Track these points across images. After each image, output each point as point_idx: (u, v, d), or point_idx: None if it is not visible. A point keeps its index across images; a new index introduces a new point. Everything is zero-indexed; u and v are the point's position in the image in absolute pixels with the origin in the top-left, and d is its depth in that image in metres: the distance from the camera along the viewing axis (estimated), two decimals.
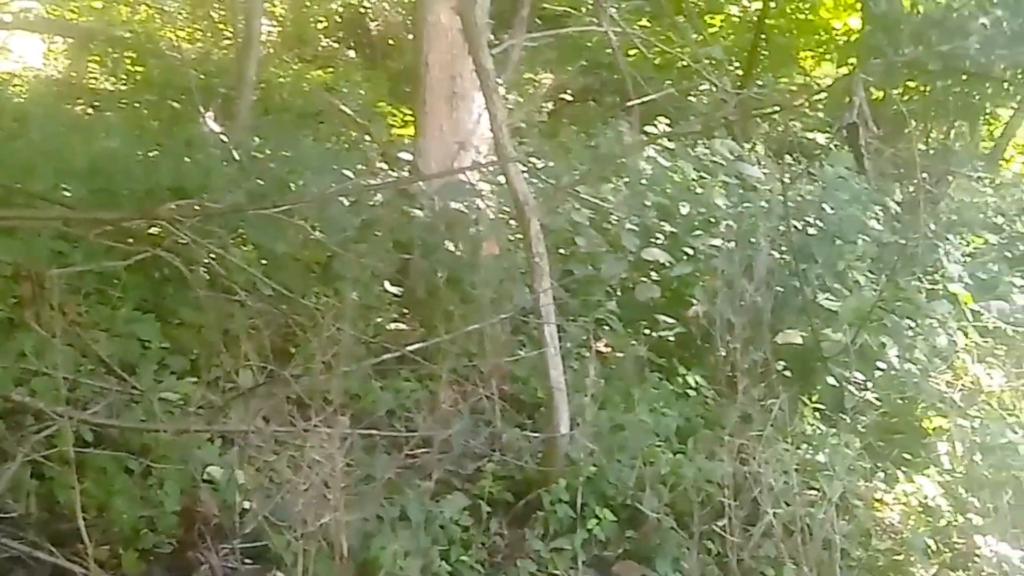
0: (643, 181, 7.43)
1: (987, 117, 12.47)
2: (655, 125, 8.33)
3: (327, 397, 3.95)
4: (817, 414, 5.62)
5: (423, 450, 4.88)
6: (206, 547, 4.05)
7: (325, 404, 3.92)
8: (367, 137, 9.83)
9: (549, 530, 4.47)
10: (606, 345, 6.29)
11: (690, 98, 11.08)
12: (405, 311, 6.49)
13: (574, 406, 4.96)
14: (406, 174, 7.63)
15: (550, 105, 10.38)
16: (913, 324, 6.05)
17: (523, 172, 7.40)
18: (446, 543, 4.23)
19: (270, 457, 4.00)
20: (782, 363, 6.21)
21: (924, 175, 7.65)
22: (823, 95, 10.25)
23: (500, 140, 4.94)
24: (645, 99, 8.00)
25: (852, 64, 8.77)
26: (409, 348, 4.84)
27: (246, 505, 4.11)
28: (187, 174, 6.79)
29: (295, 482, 3.76)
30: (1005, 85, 8.49)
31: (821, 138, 11.84)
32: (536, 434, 5.13)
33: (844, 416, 5.73)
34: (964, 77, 7.99)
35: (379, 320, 6.22)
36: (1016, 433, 4.94)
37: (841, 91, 7.54)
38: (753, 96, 7.19)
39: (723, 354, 5.98)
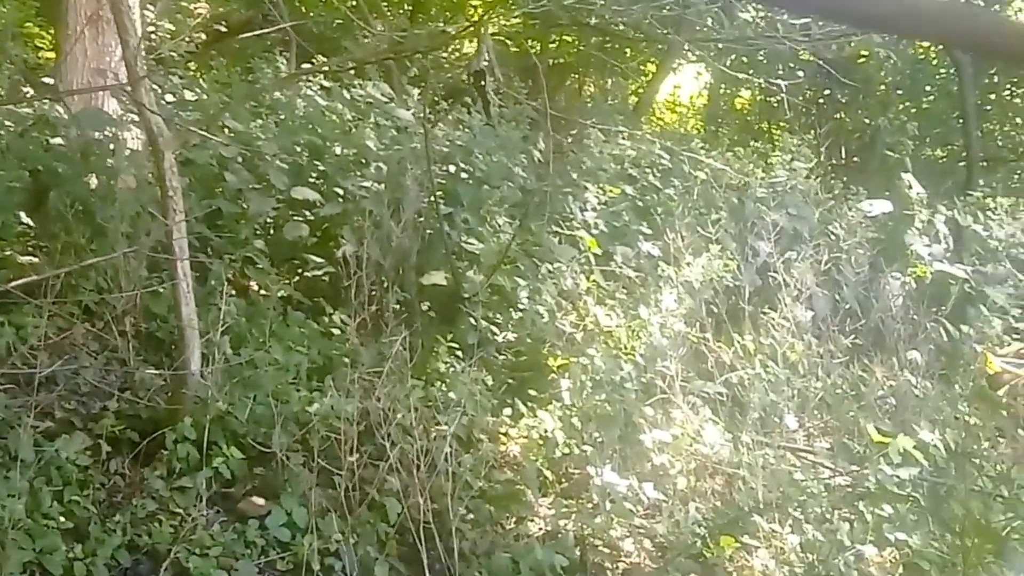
0: (297, 119, 7.37)
1: (638, 74, 13.33)
2: (314, 63, 8.28)
3: None
4: (458, 353, 5.84)
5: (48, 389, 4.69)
6: None
7: None
8: (10, 61, 9.13)
9: (174, 469, 4.42)
10: (251, 283, 6.25)
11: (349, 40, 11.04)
12: (42, 244, 6.15)
13: (208, 344, 4.90)
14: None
15: (203, 36, 10.03)
16: (543, 267, 6.41)
17: (169, 104, 7.16)
18: (61, 484, 4.10)
19: None
20: (427, 304, 6.43)
21: (556, 126, 8.05)
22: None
23: (132, 67, 4.75)
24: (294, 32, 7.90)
25: (481, 12, 8.99)
26: (17, 283, 4.56)
27: None
28: None
29: None
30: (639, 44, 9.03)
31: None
32: (165, 372, 5.02)
33: (481, 354, 6.00)
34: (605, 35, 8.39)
35: (7, 253, 5.86)
36: (622, 370, 5.36)
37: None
38: (401, 39, 7.26)
39: (370, 294, 6.09)
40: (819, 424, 6.24)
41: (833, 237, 7.11)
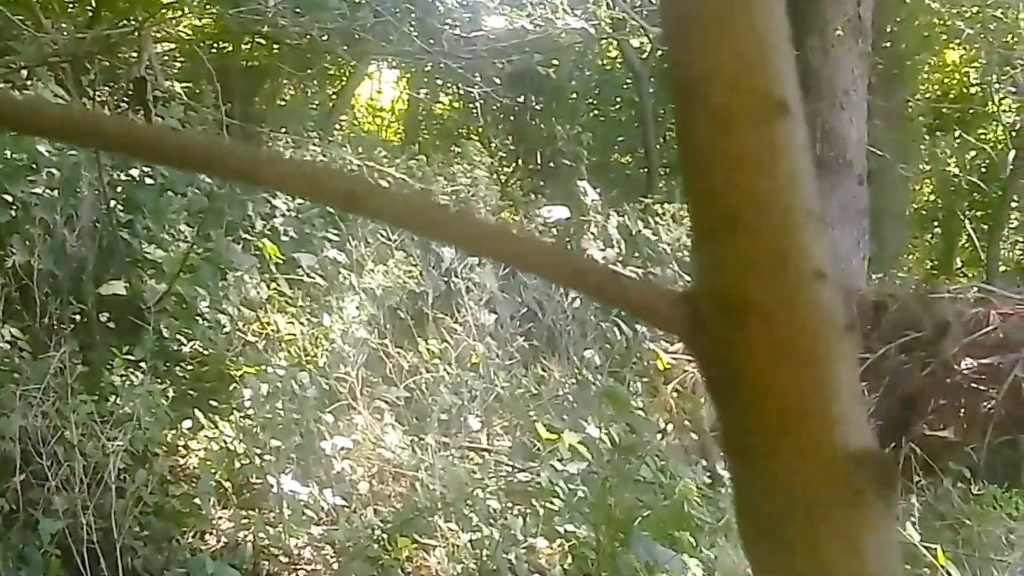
0: None
1: (333, 80, 13.33)
2: None
3: None
4: (142, 364, 5.69)
5: None
6: None
7: None
8: None
9: None
10: None
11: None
12: None
13: None
14: None
15: None
16: (230, 276, 6.34)
17: None
18: None
19: None
20: (106, 314, 6.20)
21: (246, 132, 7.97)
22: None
23: None
24: None
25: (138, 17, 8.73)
26: None
27: None
28: None
29: None
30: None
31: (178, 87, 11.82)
32: None
33: (163, 366, 5.87)
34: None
35: None
36: (303, 378, 5.39)
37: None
38: (79, 39, 6.97)
39: (42, 305, 5.82)
40: (501, 423, 6.49)
41: None
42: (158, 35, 8.80)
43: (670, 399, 6.96)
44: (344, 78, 13.15)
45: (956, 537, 5.58)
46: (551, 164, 13.79)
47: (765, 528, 0.87)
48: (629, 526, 4.06)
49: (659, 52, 15.13)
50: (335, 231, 7.20)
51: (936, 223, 17.35)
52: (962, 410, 7.16)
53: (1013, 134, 14.08)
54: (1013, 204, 15.69)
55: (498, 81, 14.61)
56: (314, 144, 8.61)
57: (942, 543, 4.60)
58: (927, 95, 15.55)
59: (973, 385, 7.21)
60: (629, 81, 14.57)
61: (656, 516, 4.27)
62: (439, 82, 14.62)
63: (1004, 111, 14.47)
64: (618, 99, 15.36)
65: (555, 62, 14.18)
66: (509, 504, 5.32)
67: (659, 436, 6.73)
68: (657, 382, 7.19)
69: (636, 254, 7.67)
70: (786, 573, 0.86)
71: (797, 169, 0.84)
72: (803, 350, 0.83)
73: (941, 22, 13.94)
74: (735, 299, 0.83)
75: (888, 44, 13.04)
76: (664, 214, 8.09)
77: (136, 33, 7.49)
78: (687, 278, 7.97)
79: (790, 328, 0.83)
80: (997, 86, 13.11)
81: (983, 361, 7.29)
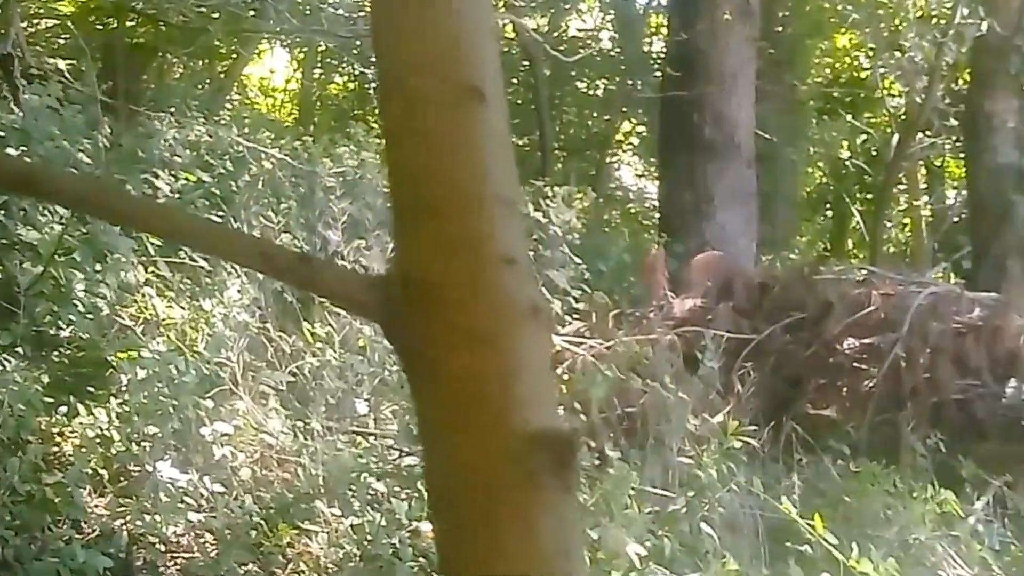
0: None
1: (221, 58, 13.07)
2: None
3: None
4: (18, 350, 5.52)
5: None
6: None
7: None
8: None
9: None
10: None
11: None
12: None
13: None
14: None
15: None
16: (102, 258, 6.17)
17: None
18: None
19: None
20: None
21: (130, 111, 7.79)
22: None
23: None
24: None
25: None
26: None
27: None
28: None
29: None
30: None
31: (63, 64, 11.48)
32: None
33: (38, 351, 5.71)
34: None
35: None
36: (182, 362, 5.28)
37: None
38: None
39: None
40: (389, 407, 6.44)
41: None
42: (35, 10, 8.52)
43: (560, 381, 6.99)
44: (232, 57, 12.90)
45: (835, 513, 5.71)
46: None
47: (445, 506, 0.88)
48: None
49: (555, 34, 15.20)
50: (218, 213, 7.07)
51: (828, 206, 17.75)
52: (844, 389, 7.32)
53: (902, 118, 14.43)
54: (902, 187, 16.13)
55: None
56: (199, 124, 8.41)
57: (822, 519, 4.71)
58: (818, 80, 15.87)
59: (854, 364, 7.38)
60: (526, 64, 14.58)
61: None
62: (333, 63, 14.46)
63: (891, 96, 14.82)
64: (514, 80, 15.38)
65: None
66: (396, 488, 5.28)
67: None
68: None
69: (528, 237, 7.67)
70: (463, 549, 0.87)
71: (490, 156, 0.84)
72: (486, 334, 0.83)
73: (831, 7, 14.22)
74: (422, 283, 0.83)
75: (780, 29, 13.26)
76: (555, 197, 8.11)
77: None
78: (577, 260, 8.03)
79: (474, 313, 0.83)
80: (883, 71, 13.41)
81: (864, 341, 7.46)
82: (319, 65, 14.65)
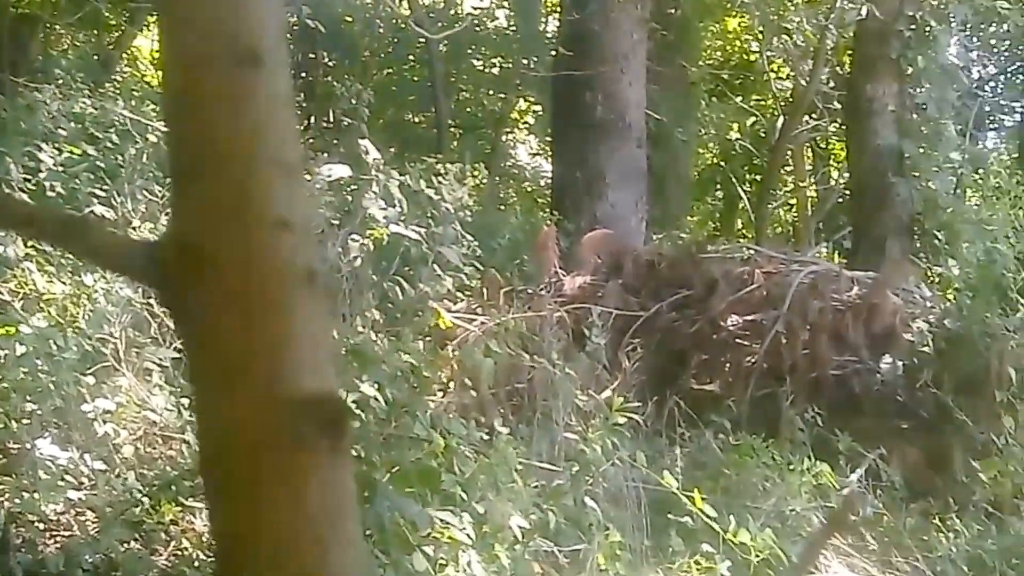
0: None
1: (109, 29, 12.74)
2: None
3: None
4: None
5: None
6: None
7: None
8: None
9: None
10: None
11: None
12: None
13: None
14: None
15: None
16: None
17: None
18: None
19: None
20: None
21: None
22: None
23: None
24: None
25: None
26: None
27: None
28: None
29: None
30: None
31: None
32: None
33: None
34: None
35: None
36: (61, 338, 5.17)
37: None
38: None
39: None
40: None
41: None
42: None
43: (451, 357, 7.02)
44: (121, 29, 12.58)
45: (716, 485, 5.88)
46: (344, 122, 13.63)
47: (213, 469, 0.89)
48: (382, 484, 4.10)
49: (452, 11, 15.17)
50: (102, 187, 6.90)
51: (718, 186, 18.08)
52: (727, 364, 7.51)
53: (790, 100, 14.74)
54: (789, 169, 16.50)
55: (288, 36, 14.29)
56: (84, 96, 8.19)
57: (702, 491, 4.84)
58: (709, 62, 16.13)
59: (737, 341, 7.58)
60: (422, 41, 14.50)
61: (404, 473, 4.32)
62: None
63: (779, 79, 15.15)
64: (410, 57, 15.29)
65: (348, 19, 14.00)
66: None
67: (440, 394, 6.79)
68: (439, 340, 7.24)
69: (419, 213, 7.65)
70: (229, 513, 0.88)
71: (267, 119, 0.85)
72: (256, 298, 0.84)
73: None
74: (195, 248, 0.83)
75: (672, 11, 13.41)
76: (447, 174, 8.10)
77: None
78: (469, 237, 8.06)
79: (245, 276, 0.83)
80: (770, 54, 13.70)
81: (747, 318, 7.67)
82: None
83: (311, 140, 12.74)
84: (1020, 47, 16.04)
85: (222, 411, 0.86)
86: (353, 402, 5.10)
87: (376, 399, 5.35)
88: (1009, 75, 16.78)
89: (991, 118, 16.61)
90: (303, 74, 15.48)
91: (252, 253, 0.84)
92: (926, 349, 7.32)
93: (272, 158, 0.86)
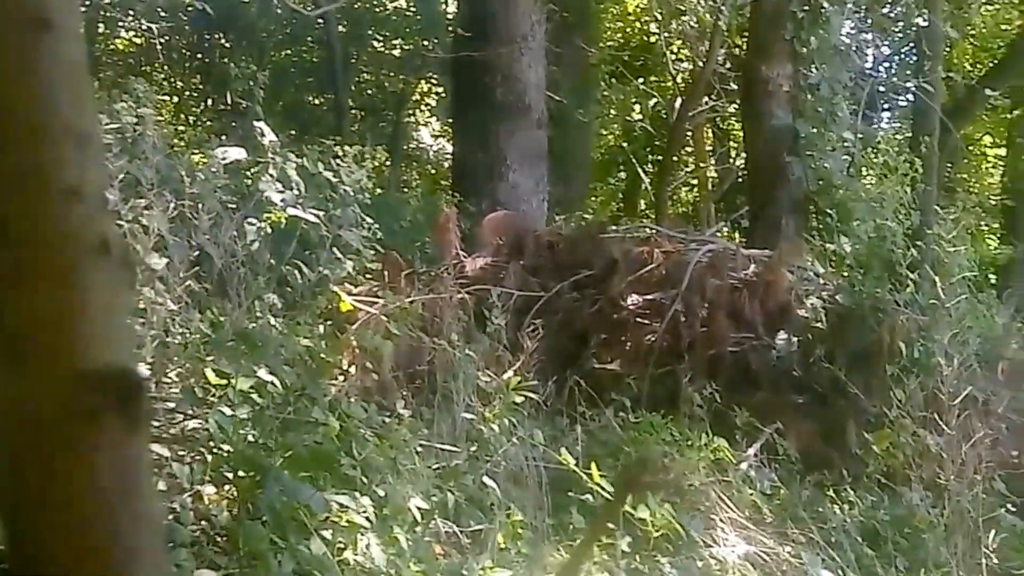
0: None
1: None
2: None
3: None
4: None
5: None
6: None
7: None
8: None
9: None
10: None
11: None
12: None
13: None
14: None
15: None
16: None
17: None
18: None
19: None
20: None
21: None
22: None
23: None
24: None
25: None
26: None
27: None
28: None
29: None
30: None
31: None
32: None
33: None
34: None
35: None
36: None
37: None
38: None
39: None
40: (174, 371, 6.26)
41: (186, 183, 7.12)
42: None
43: (352, 341, 6.97)
44: None
45: (616, 462, 5.92)
46: (242, 105, 13.39)
47: (2, 443, 0.86)
48: (275, 469, 4.04)
49: None
50: None
51: (621, 167, 18.23)
52: (627, 343, 7.56)
53: (689, 81, 14.90)
54: (690, 149, 16.71)
55: (183, 18, 14.00)
56: None
57: (602, 469, 4.87)
58: (609, 43, 16.22)
59: (637, 320, 7.64)
60: (320, 22, 14.33)
61: (298, 457, 4.28)
62: (117, 17, 13.86)
63: (679, 60, 15.31)
64: (309, 39, 15.10)
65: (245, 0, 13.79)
66: (180, 452, 5.15)
67: (341, 377, 6.74)
68: (340, 324, 7.18)
69: (318, 196, 7.56)
70: (17, 486, 0.85)
71: (58, 86, 0.82)
72: (49, 269, 0.81)
73: None
74: None
75: None
76: (346, 156, 8.02)
77: None
78: (369, 220, 7.98)
79: (36, 247, 0.81)
80: (668, 35, 13.83)
81: (647, 297, 7.74)
82: (101, 21, 14.00)
83: (208, 123, 12.54)
84: (913, 28, 16.41)
85: (10, 383, 0.83)
86: (250, 387, 5.03)
87: (273, 384, 5.28)
88: (903, 56, 17.11)
89: (884, 99, 16.93)
90: (199, 56, 15.20)
91: (42, 222, 0.81)
92: (819, 325, 7.45)
93: (64, 126, 0.83)
